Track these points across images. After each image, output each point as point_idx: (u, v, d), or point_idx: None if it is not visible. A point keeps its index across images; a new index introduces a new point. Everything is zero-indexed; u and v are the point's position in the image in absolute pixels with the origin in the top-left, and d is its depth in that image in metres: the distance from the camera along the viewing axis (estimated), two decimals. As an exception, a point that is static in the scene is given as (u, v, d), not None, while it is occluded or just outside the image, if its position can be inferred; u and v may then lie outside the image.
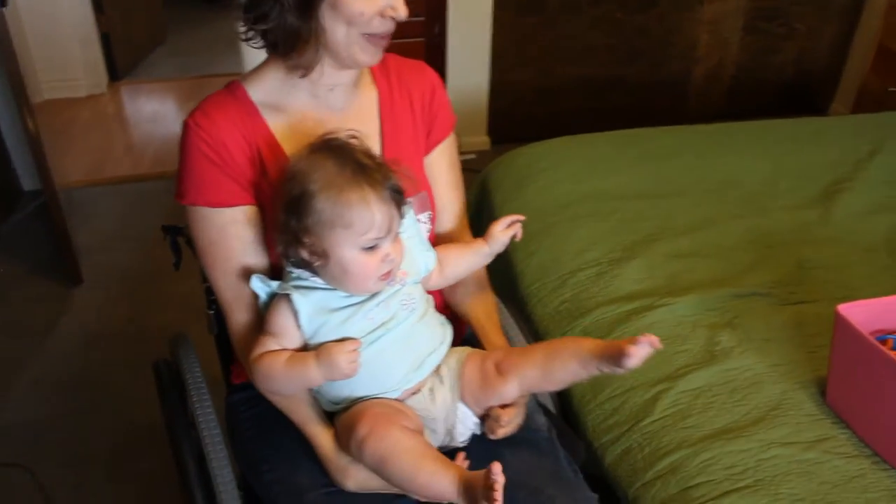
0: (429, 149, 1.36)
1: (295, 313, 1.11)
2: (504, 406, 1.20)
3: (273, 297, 1.16)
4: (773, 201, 2.05)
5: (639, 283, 1.71)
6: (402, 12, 1.14)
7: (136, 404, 2.22)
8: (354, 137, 1.13)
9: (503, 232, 1.25)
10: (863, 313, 1.34)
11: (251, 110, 1.21)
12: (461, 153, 1.51)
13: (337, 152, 1.09)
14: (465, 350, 1.24)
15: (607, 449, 1.41)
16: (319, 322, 1.12)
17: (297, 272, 1.13)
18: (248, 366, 1.17)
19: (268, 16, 1.13)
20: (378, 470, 1.09)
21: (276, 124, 1.22)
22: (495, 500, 0.94)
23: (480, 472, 0.98)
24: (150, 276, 2.79)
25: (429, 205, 1.32)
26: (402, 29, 1.19)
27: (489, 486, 0.95)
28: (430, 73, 1.36)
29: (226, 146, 1.18)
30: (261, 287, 1.17)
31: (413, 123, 1.32)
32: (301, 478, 1.21)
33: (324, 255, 1.08)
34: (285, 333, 1.13)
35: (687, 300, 1.62)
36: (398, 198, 1.10)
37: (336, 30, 1.14)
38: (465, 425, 1.21)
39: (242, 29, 1.19)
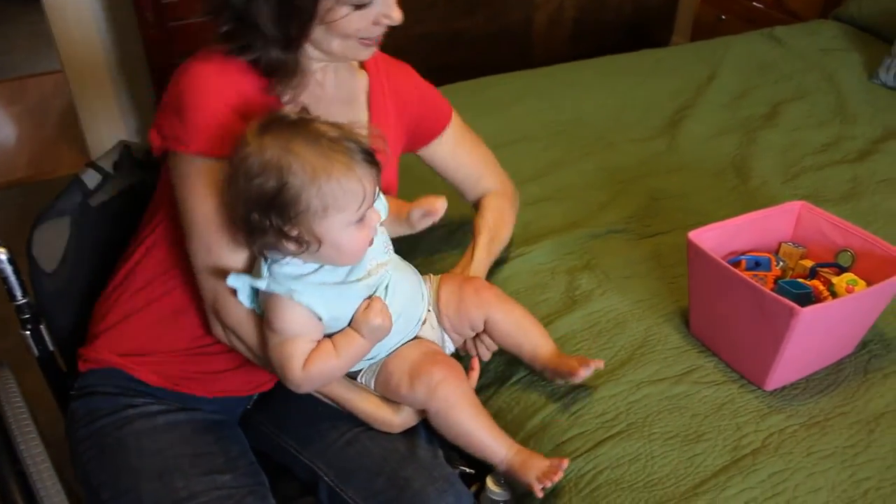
0: (417, 146, 1.41)
1: (311, 311, 1.05)
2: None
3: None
4: (621, 135, 2.02)
5: (492, 236, 1.64)
6: (397, 17, 1.14)
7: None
8: (304, 110, 1.08)
9: (420, 220, 1.19)
10: (714, 237, 1.31)
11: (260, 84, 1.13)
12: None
13: (301, 131, 1.00)
14: (434, 277, 1.31)
15: (477, 415, 1.34)
16: (336, 308, 1.07)
17: (274, 259, 1.06)
18: (297, 378, 1.08)
19: (251, 47, 1.09)
20: (441, 414, 1.15)
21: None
22: (550, 482, 1.09)
23: (543, 458, 1.13)
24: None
25: None
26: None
27: (551, 472, 1.09)
28: (414, 75, 1.39)
29: (250, 100, 1.10)
30: (242, 285, 1.08)
31: (396, 122, 1.28)
32: (147, 502, 1.12)
33: (315, 241, 1.02)
34: (309, 329, 1.07)
35: (542, 247, 1.56)
36: (372, 159, 1.03)
37: (331, 42, 1.12)
38: (448, 349, 1.29)
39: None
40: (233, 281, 1.07)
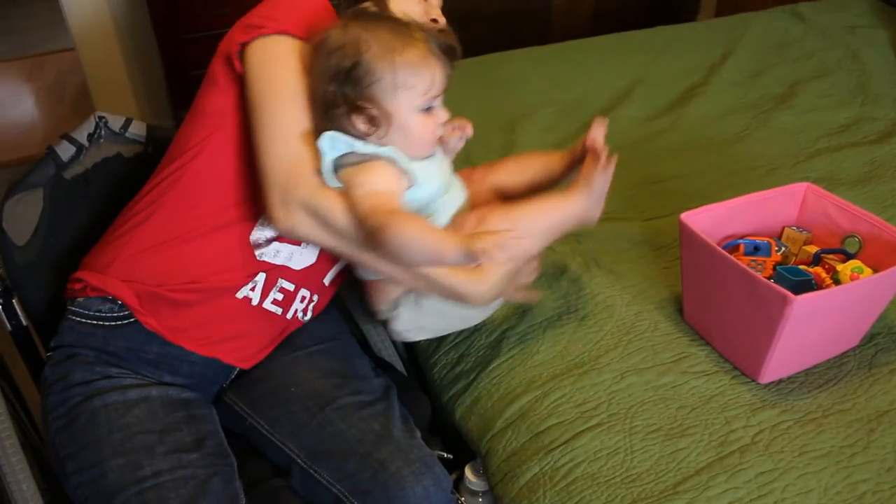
0: None
1: (410, 183, 1.06)
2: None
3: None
4: (625, 114, 1.94)
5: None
6: (441, 21, 1.23)
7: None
8: (385, 7, 1.14)
9: (451, 136, 1.19)
10: (709, 219, 1.24)
11: None
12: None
13: (383, 17, 1.07)
14: None
15: (456, 401, 1.27)
16: (437, 190, 1.09)
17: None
18: (375, 221, 0.99)
19: None
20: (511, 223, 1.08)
21: None
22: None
23: None
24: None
25: None
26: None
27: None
28: None
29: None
30: (331, 147, 1.04)
31: None
32: (110, 479, 1.09)
33: (385, 120, 1.04)
34: (393, 186, 1.05)
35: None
36: (446, 54, 1.07)
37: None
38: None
39: None
40: (326, 140, 1.03)
